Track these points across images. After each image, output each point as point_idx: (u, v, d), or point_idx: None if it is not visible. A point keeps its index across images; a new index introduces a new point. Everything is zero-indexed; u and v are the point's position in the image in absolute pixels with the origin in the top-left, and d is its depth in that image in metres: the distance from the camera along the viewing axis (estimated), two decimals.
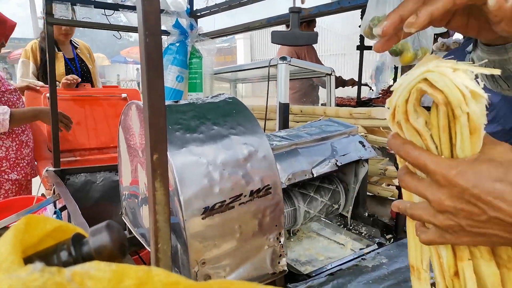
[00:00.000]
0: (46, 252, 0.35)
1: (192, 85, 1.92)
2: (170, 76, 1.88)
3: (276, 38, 0.77)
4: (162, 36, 1.99)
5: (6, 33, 1.94)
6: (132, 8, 1.81)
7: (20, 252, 0.32)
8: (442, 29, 1.00)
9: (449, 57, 0.42)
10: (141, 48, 0.61)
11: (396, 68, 4.40)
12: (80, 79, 2.51)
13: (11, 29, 1.97)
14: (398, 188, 1.25)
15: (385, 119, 1.49)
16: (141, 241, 1.00)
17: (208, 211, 0.74)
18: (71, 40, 2.75)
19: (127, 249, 0.37)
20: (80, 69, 2.76)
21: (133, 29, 1.84)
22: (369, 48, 4.14)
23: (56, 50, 2.62)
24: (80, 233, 0.36)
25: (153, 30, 0.60)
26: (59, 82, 2.44)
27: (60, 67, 2.62)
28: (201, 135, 0.80)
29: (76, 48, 2.78)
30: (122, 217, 1.18)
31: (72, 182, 1.76)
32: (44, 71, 2.59)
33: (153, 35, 0.60)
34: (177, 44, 1.91)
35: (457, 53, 2.34)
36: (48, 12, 1.61)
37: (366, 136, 1.35)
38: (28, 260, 0.34)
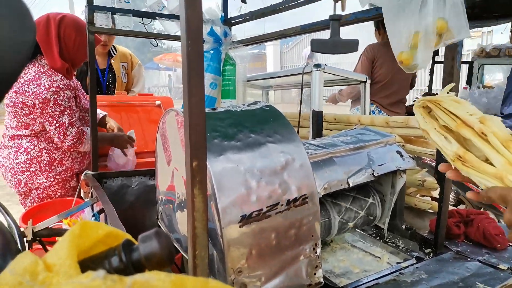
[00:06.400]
0: (98, 257, 0.36)
1: (225, 92, 1.93)
2: (204, 83, 1.90)
3: (316, 46, 0.77)
4: None
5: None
6: (169, 17, 1.86)
7: (75, 256, 0.32)
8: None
9: None
10: (183, 55, 0.62)
11: (432, 73, 4.26)
12: None
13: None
14: (437, 200, 1.20)
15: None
16: (177, 247, 1.01)
17: (245, 219, 0.74)
18: (110, 49, 2.85)
19: (174, 256, 0.37)
20: (107, 80, 2.85)
21: (170, 37, 1.88)
22: None
23: None
24: (130, 239, 0.37)
25: (195, 38, 0.62)
26: None
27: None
28: (238, 143, 0.80)
29: (112, 57, 2.87)
30: (158, 222, 1.20)
31: (108, 185, 1.82)
32: (81, 81, 2.70)
33: (195, 43, 0.62)
34: (211, 52, 1.93)
35: None
36: (90, 21, 1.68)
37: (403, 145, 1.31)
38: (81, 264, 0.35)
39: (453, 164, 0.67)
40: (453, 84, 0.74)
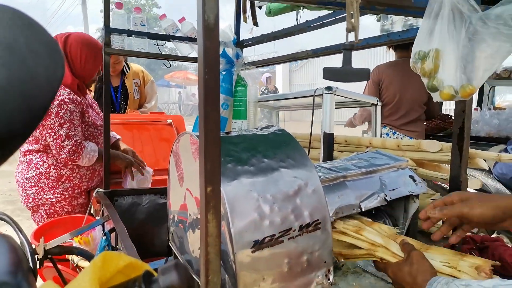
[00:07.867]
0: None
1: (236, 112, 1.96)
2: None
3: (328, 74, 0.78)
4: None
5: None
6: (183, 39, 1.91)
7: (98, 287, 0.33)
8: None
9: None
10: (200, 83, 0.64)
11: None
12: None
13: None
14: None
15: (436, 152, 1.43)
16: (188, 269, 1.01)
17: (258, 245, 0.74)
18: (123, 66, 2.92)
19: None
20: (120, 98, 2.92)
21: (184, 59, 1.92)
22: None
23: None
24: (150, 271, 0.38)
25: (212, 68, 0.63)
26: None
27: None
28: (252, 168, 0.81)
29: (125, 75, 2.94)
30: (169, 243, 1.20)
31: (119, 203, 1.83)
32: (97, 99, 2.76)
33: (212, 72, 0.63)
34: (224, 73, 1.97)
35: None
36: (107, 43, 1.73)
37: (416, 169, 1.31)
38: None
39: (338, 259, 0.98)
40: None
